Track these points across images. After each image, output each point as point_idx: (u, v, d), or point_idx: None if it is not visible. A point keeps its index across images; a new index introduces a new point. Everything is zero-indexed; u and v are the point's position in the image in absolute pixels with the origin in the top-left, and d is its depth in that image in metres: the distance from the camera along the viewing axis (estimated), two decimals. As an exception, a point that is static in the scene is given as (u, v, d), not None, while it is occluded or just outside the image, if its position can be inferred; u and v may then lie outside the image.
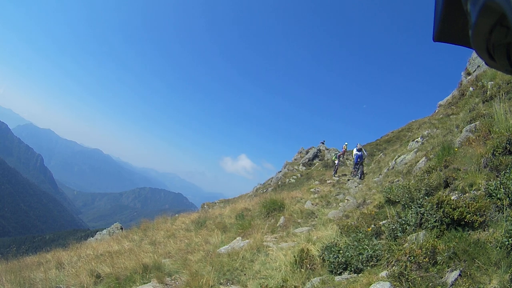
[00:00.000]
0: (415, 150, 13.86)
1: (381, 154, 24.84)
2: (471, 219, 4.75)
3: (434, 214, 5.24)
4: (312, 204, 13.51)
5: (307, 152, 40.46)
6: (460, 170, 6.79)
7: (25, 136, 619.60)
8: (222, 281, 6.70)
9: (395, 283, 4.25)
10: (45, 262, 10.95)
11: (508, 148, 5.91)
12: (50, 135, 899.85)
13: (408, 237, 5.39)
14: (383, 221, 6.98)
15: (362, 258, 5.43)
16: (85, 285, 7.41)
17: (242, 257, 7.69)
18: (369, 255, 5.42)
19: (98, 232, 20.48)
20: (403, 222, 5.80)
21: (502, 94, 8.93)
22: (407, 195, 7.13)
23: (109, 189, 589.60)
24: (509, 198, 4.78)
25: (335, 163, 25.32)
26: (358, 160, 20.64)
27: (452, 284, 3.86)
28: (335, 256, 5.70)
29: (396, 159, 15.41)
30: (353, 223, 7.54)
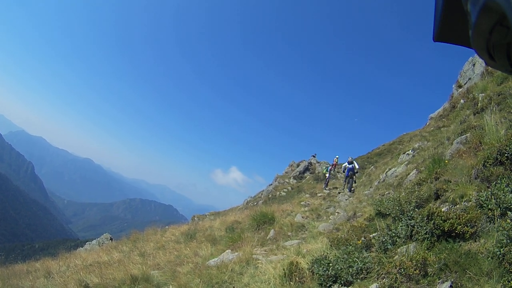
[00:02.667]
0: (406, 162, 13.89)
1: (372, 167, 24.91)
2: (462, 230, 4.71)
3: (424, 226, 5.20)
4: (302, 217, 13.44)
5: (298, 165, 40.49)
6: (450, 182, 6.78)
7: (16, 142, 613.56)
8: (210, 294, 6.59)
9: (385, 295, 4.18)
10: (33, 270, 10.93)
11: (499, 159, 5.91)
12: (42, 143, 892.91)
13: (399, 250, 5.34)
14: (373, 234, 6.92)
15: (352, 271, 5.35)
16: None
17: (231, 269, 7.60)
18: (359, 268, 5.35)
19: (87, 242, 20.23)
20: (394, 234, 5.75)
21: (493, 106, 9.00)
22: (397, 208, 7.10)
23: (100, 199, 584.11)
24: (500, 208, 4.76)
25: (326, 176, 25.27)
26: (350, 173, 20.62)
27: (443, 296, 3.80)
28: (324, 269, 5.63)
29: (387, 172, 15.44)
30: (343, 236, 7.47)
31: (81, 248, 18.69)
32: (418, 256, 4.41)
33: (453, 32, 0.93)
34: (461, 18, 0.93)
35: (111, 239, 18.58)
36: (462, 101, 14.26)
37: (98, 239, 19.18)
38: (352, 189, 20.42)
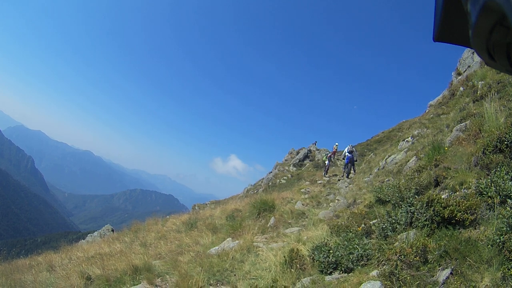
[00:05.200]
0: (405, 149, 13.91)
1: (372, 154, 24.94)
2: (461, 217, 4.73)
3: (424, 213, 5.21)
4: (302, 204, 13.49)
5: (297, 153, 40.54)
6: (450, 169, 6.79)
7: (15, 137, 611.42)
8: (212, 282, 6.65)
9: (385, 282, 4.21)
10: (36, 264, 10.94)
11: (499, 147, 5.91)
12: (41, 136, 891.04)
13: (399, 236, 5.36)
14: (374, 221, 6.95)
15: (352, 258, 5.38)
16: (75, 287, 7.34)
17: (232, 257, 7.65)
18: (360, 255, 5.38)
19: (89, 234, 20.33)
20: (394, 221, 5.77)
21: (492, 94, 8.97)
22: (397, 195, 7.12)
23: (100, 191, 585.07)
24: (500, 196, 4.77)
25: (325, 163, 25.29)
26: (349, 161, 20.67)
27: (444, 283, 3.82)
28: (325, 256, 5.65)
29: (386, 159, 15.46)
30: (343, 222, 7.50)
31: (82, 240, 18.80)
32: (418, 243, 4.42)
33: (453, 32, 0.93)
34: (461, 18, 0.93)
35: (112, 230, 18.67)
36: (461, 88, 14.21)
37: (100, 230, 19.27)
38: (350, 175, 20.51)
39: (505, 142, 5.80)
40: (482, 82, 11.25)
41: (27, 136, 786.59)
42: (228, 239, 9.65)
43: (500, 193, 4.80)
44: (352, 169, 20.99)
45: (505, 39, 0.92)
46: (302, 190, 17.60)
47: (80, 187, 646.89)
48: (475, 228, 4.66)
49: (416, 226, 5.28)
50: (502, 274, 3.56)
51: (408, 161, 11.01)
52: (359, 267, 5.24)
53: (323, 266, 5.59)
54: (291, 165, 37.33)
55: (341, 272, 5.36)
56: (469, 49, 14.47)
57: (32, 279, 8.62)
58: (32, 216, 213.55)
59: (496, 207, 4.65)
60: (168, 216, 16.91)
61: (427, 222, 5.07)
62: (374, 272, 4.73)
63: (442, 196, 5.46)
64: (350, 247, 5.58)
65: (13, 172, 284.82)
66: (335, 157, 30.62)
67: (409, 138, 15.23)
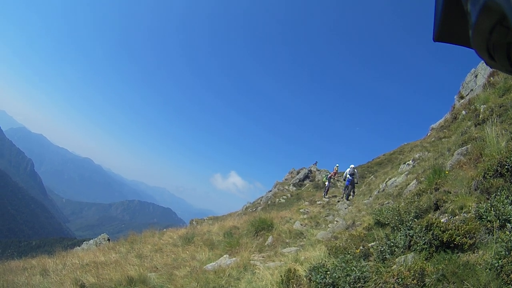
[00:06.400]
0: (406, 172, 13.89)
1: (372, 176, 24.88)
2: (460, 241, 4.70)
3: (423, 236, 5.19)
4: (301, 224, 13.44)
5: (298, 173, 40.49)
6: (450, 193, 6.77)
7: (17, 139, 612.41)
8: (206, 298, 6.57)
9: (382, 305, 4.17)
10: (30, 267, 10.90)
11: (499, 171, 5.91)
12: (42, 140, 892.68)
13: (397, 259, 5.32)
14: (372, 243, 6.90)
15: (349, 280, 5.33)
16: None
17: (229, 274, 7.60)
18: (357, 277, 5.32)
19: (84, 242, 20.17)
20: (392, 244, 5.74)
21: (494, 118, 8.99)
22: (396, 218, 7.08)
23: (98, 199, 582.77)
24: (500, 220, 4.75)
25: (325, 184, 25.26)
26: (350, 183, 20.61)
27: (440, 307, 3.78)
28: (322, 276, 5.60)
29: (387, 181, 15.43)
30: (341, 244, 7.45)
31: (78, 247, 18.63)
32: (416, 266, 4.39)
33: (453, 32, 0.94)
34: (461, 18, 0.94)
35: (108, 239, 18.52)
36: (463, 112, 14.28)
37: (96, 239, 19.11)
38: (350, 197, 20.44)
39: (506, 166, 5.80)
40: (484, 105, 11.30)
41: (29, 139, 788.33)
42: (225, 255, 9.59)
43: (500, 217, 4.78)
44: (352, 191, 20.93)
45: (505, 39, 0.94)
46: (301, 210, 17.56)
47: (78, 194, 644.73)
48: (474, 252, 4.63)
49: (414, 250, 5.25)
50: (500, 298, 3.53)
51: (409, 184, 10.98)
52: (356, 289, 5.19)
53: (319, 287, 5.53)
54: (291, 184, 37.24)
55: (338, 293, 5.31)
56: (472, 72, 14.41)
57: (25, 281, 8.58)
58: (28, 219, 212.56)
59: (495, 231, 4.63)
60: (165, 229, 16.83)
61: (426, 246, 5.04)
62: (371, 295, 4.69)
63: (442, 220, 5.43)
64: (348, 269, 5.53)
65: (12, 173, 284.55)
66: (336, 178, 30.58)
67: (410, 161, 15.24)
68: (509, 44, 0.94)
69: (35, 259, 12.17)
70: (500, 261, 3.88)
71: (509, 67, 0.94)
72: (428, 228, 5.18)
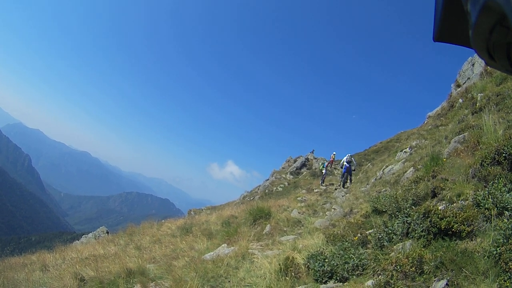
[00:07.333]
0: (403, 160, 13.92)
1: (369, 164, 24.94)
2: (458, 228, 4.72)
3: (421, 223, 5.20)
4: (298, 212, 13.45)
5: (295, 161, 40.53)
6: (448, 180, 6.78)
7: (13, 135, 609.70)
8: (205, 288, 6.58)
9: (380, 292, 4.18)
10: (29, 263, 10.92)
11: (497, 159, 5.92)
12: (39, 135, 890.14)
13: (395, 247, 5.34)
14: (370, 231, 6.92)
15: (347, 267, 5.35)
16: (68, 288, 7.31)
17: (227, 264, 7.60)
18: (355, 264, 5.35)
19: (84, 236, 20.24)
20: (390, 231, 5.76)
21: (491, 106, 8.99)
22: (394, 205, 7.09)
23: (96, 193, 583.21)
24: (497, 208, 4.76)
25: (322, 172, 25.32)
26: (346, 170, 20.65)
27: (439, 294, 3.80)
28: (320, 264, 5.63)
29: (384, 169, 15.46)
30: (339, 232, 7.46)
31: (77, 241, 18.71)
32: (414, 254, 4.40)
33: (453, 32, 0.94)
34: (461, 18, 0.94)
35: (107, 232, 18.59)
36: (460, 100, 14.27)
37: (94, 232, 19.19)
38: (346, 185, 20.51)
39: (503, 154, 5.81)
40: (481, 94, 11.29)
41: (25, 134, 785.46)
42: (223, 245, 9.60)
43: (498, 205, 4.80)
44: (348, 179, 20.98)
45: (505, 39, 0.93)
46: (299, 198, 17.60)
47: (76, 188, 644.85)
48: (472, 240, 4.65)
49: (412, 237, 5.27)
50: (498, 286, 3.55)
51: (406, 171, 11.00)
52: (354, 277, 5.22)
53: (318, 275, 5.56)
54: (288, 173, 37.28)
55: (336, 281, 5.33)
56: (469, 61, 14.38)
57: (25, 277, 8.60)
58: (27, 215, 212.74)
59: (493, 219, 4.65)
60: (163, 220, 16.85)
61: (424, 233, 5.06)
62: (369, 282, 4.71)
63: (439, 207, 5.44)
64: (346, 256, 5.56)
65: (10, 169, 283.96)
66: (333, 166, 30.68)
67: (407, 148, 15.26)
68: (509, 44, 0.94)
69: (35, 255, 12.24)
70: (498, 248, 3.89)
71: (509, 67, 0.94)
72: (426, 215, 5.19)
